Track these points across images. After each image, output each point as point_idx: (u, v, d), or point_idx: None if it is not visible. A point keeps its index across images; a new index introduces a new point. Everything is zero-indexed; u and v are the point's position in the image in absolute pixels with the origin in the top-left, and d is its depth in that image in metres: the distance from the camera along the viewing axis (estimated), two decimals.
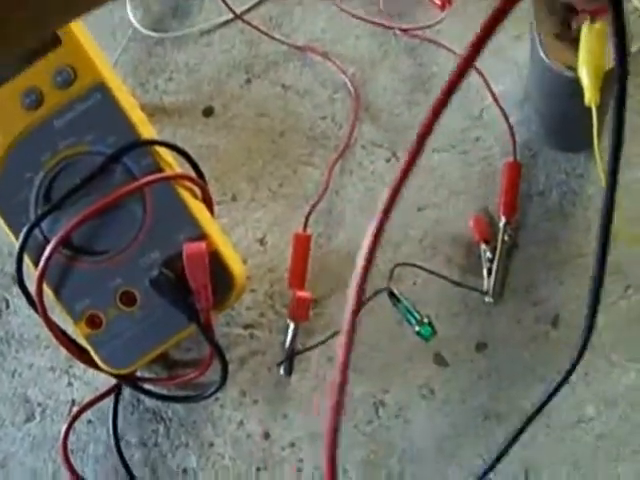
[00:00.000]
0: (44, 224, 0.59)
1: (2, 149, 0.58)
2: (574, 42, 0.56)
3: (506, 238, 0.62)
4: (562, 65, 0.56)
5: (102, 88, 0.58)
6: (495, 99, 0.65)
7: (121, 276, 0.59)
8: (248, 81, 0.72)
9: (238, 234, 0.67)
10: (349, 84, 0.69)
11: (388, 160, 0.67)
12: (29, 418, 0.67)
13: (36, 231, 0.59)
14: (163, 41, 0.75)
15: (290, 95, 0.70)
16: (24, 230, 0.57)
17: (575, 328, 0.59)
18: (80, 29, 0.59)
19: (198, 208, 0.60)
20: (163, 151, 0.59)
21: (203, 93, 0.72)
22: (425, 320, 0.59)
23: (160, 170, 0.59)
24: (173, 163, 0.60)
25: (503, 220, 0.63)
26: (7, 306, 0.70)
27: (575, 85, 0.55)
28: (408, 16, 0.71)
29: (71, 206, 0.59)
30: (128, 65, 0.74)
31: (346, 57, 0.71)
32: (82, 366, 0.65)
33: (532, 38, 0.59)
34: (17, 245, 0.58)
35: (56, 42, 0.58)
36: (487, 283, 0.62)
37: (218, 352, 0.60)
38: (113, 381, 0.63)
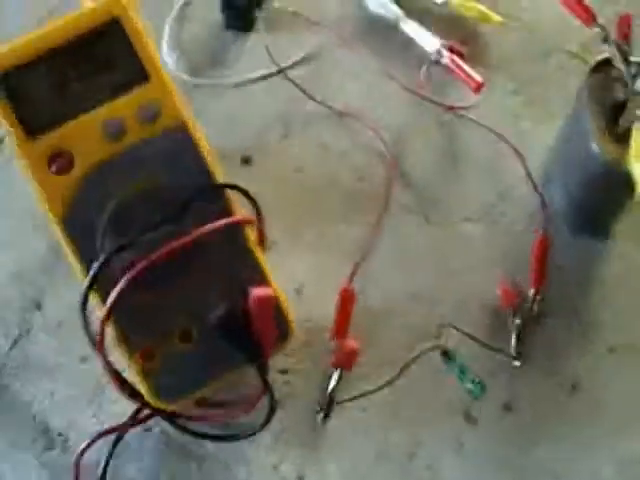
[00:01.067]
0: (106, 246, 0.59)
1: (80, 174, 0.59)
2: (621, 137, 0.63)
3: (534, 308, 0.67)
4: (611, 158, 0.62)
5: (184, 128, 0.60)
6: (531, 178, 0.71)
7: (181, 313, 0.60)
8: (286, 136, 0.75)
9: (275, 281, 0.69)
10: (385, 150, 0.74)
11: (420, 225, 0.72)
12: (49, 447, 0.66)
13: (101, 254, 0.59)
14: (200, 87, 0.77)
15: (328, 154, 0.74)
16: (96, 265, 0.57)
17: (592, 395, 0.65)
18: (166, 73, 0.61)
19: (260, 253, 0.62)
20: (232, 194, 0.61)
21: (242, 142, 0.74)
22: (477, 379, 0.63)
23: (230, 213, 0.60)
24: (238, 207, 0.62)
25: (532, 291, 0.68)
26: (28, 332, 0.69)
27: (621, 178, 0.61)
28: (444, 91, 0.76)
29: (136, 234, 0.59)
30: None
31: (382, 123, 0.75)
32: (108, 398, 0.65)
33: (577, 129, 0.66)
34: (84, 275, 0.58)
35: (144, 78, 0.59)
36: (514, 348, 0.67)
37: (270, 394, 0.61)
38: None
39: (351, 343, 0.65)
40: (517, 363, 0.67)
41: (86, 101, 0.59)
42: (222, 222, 0.59)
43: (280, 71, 0.76)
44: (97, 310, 0.58)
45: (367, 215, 0.72)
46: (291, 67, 0.77)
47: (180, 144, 0.60)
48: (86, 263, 0.59)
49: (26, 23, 0.78)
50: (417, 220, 0.72)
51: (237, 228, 0.61)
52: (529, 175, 0.72)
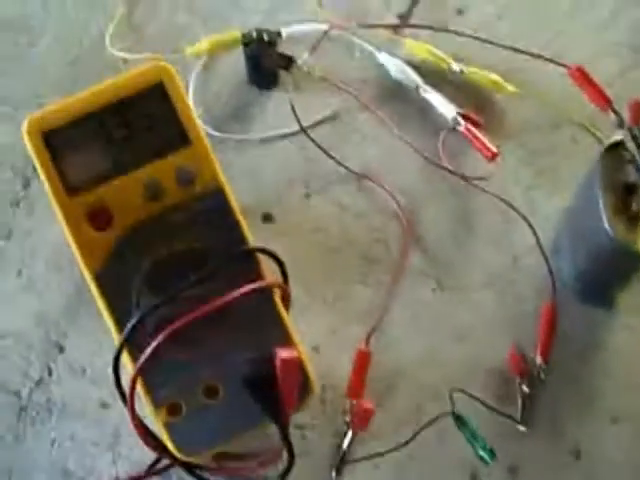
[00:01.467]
0: (141, 303, 0.61)
1: (117, 232, 0.61)
2: (632, 218, 0.66)
3: (541, 376, 0.70)
4: (621, 238, 0.65)
5: (220, 193, 0.63)
6: (540, 248, 0.74)
7: (208, 370, 0.62)
8: (307, 195, 0.77)
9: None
10: (400, 214, 0.76)
11: (433, 290, 0.74)
12: None
13: (135, 313, 0.61)
14: (225, 142, 0.79)
15: (346, 215, 0.77)
16: (129, 325, 0.59)
17: (594, 463, 0.68)
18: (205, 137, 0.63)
19: (285, 315, 0.64)
20: (263, 257, 0.64)
21: (263, 199, 0.77)
22: (488, 446, 0.65)
23: (259, 274, 0.63)
24: (265, 266, 0.65)
25: (539, 360, 0.71)
26: (50, 374, 0.71)
27: (630, 255, 0.64)
28: (458, 159, 0.79)
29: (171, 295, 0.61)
30: None
31: (398, 187, 0.78)
32: (126, 443, 0.67)
33: (587, 206, 0.69)
34: (117, 331, 0.60)
35: (185, 142, 0.62)
36: (520, 413, 0.70)
37: (290, 453, 0.63)
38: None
39: (366, 404, 0.68)
40: (523, 428, 0.70)
41: (127, 162, 0.61)
42: (254, 285, 0.61)
43: (303, 130, 0.78)
44: (127, 364, 0.60)
45: (383, 276, 0.74)
46: (313, 126, 0.80)
47: (216, 208, 0.63)
48: (119, 318, 0.61)
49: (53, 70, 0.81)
50: (430, 284, 0.75)
51: (265, 289, 0.63)
52: (539, 244, 0.75)
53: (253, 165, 0.78)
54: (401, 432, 0.68)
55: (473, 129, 0.79)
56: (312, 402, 0.68)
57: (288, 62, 0.78)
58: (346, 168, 0.78)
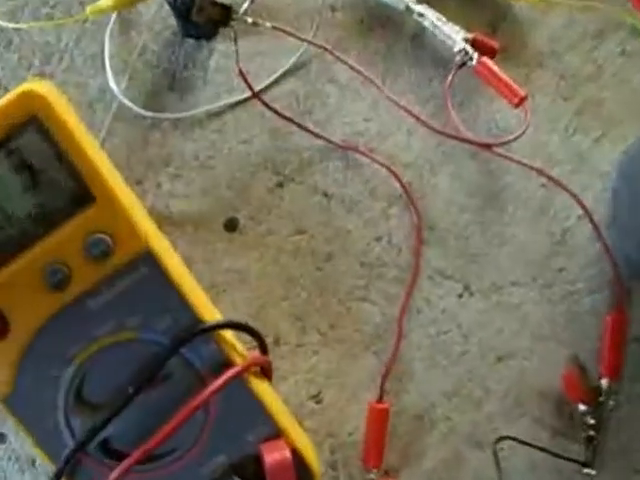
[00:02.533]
0: (76, 425, 0.45)
1: (19, 338, 0.43)
2: None
3: (611, 403, 0.54)
4: None
5: (148, 257, 0.44)
6: (591, 219, 0.56)
7: None
8: (279, 185, 0.58)
9: (287, 388, 0.55)
10: (405, 196, 0.57)
11: (460, 295, 0.57)
12: None
13: (65, 434, 0.45)
14: (161, 123, 0.59)
15: (334, 207, 0.58)
16: (65, 455, 0.43)
17: None
18: (117, 178, 0.44)
19: (268, 394, 0.48)
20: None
21: (223, 199, 0.58)
22: None
23: (226, 357, 0.46)
24: (232, 339, 0.47)
25: (605, 381, 0.54)
26: None
27: None
28: (471, 110, 0.59)
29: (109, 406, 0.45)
30: (117, 153, 0.58)
31: (398, 158, 0.58)
32: None
33: None
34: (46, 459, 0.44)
35: (87, 199, 0.43)
36: (587, 452, 0.54)
37: None
38: None
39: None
40: (591, 471, 0.54)
41: (10, 243, 0.42)
42: (228, 375, 0.44)
43: (255, 95, 0.58)
44: None
45: (391, 287, 0.57)
46: (272, 87, 0.59)
47: (146, 279, 0.44)
48: (44, 440, 0.45)
49: None
50: (455, 289, 0.57)
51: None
52: (588, 215, 0.56)
53: (206, 151, 0.58)
54: None
55: (490, 64, 0.58)
56: (321, 467, 0.53)
57: (225, 14, 0.56)
58: (325, 139, 0.58)
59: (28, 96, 0.41)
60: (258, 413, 0.47)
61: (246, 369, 0.46)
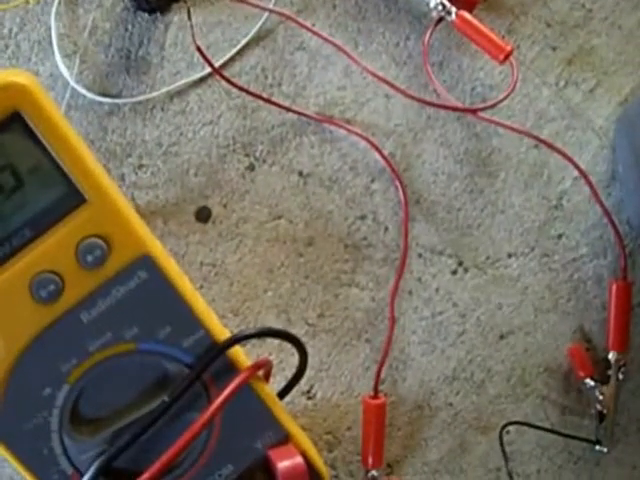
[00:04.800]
0: (73, 448, 0.41)
1: (8, 360, 0.40)
2: None
3: (620, 377, 0.51)
4: None
5: (147, 261, 0.40)
6: (589, 182, 0.52)
7: None
8: (250, 167, 0.54)
9: (277, 386, 0.51)
10: (388, 168, 0.53)
11: (454, 272, 0.53)
12: None
13: (62, 460, 0.41)
14: (119, 108, 0.54)
15: (312, 186, 0.54)
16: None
17: None
18: (106, 176, 0.40)
19: (272, 397, 0.44)
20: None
21: (191, 187, 0.54)
22: None
23: (228, 362, 0.42)
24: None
25: (613, 355, 0.51)
26: None
27: None
28: (454, 68, 0.55)
29: (108, 423, 0.42)
30: None
31: (378, 126, 0.54)
32: None
33: None
34: None
35: (78, 199, 0.38)
36: (597, 429, 0.51)
37: None
38: None
39: None
40: (603, 449, 0.51)
41: None
42: (238, 381, 0.41)
43: (215, 70, 0.53)
44: None
45: (379, 269, 0.53)
46: (234, 61, 0.55)
47: (145, 285, 0.40)
48: (38, 471, 0.42)
49: None
50: (449, 264, 0.53)
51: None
52: (585, 177, 0.52)
53: (169, 136, 0.54)
54: None
55: (470, 18, 0.53)
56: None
57: None
58: (297, 113, 0.54)
59: (10, 89, 0.37)
60: (266, 418, 0.43)
61: (253, 374, 0.42)
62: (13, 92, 0.37)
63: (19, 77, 0.37)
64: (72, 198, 0.38)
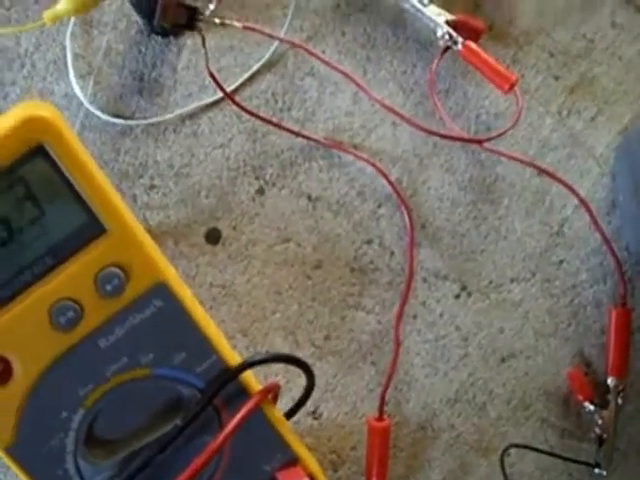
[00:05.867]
0: (86, 473, 0.42)
1: (23, 383, 0.40)
2: None
3: (619, 401, 0.52)
4: None
5: (163, 289, 0.41)
6: (589, 209, 0.53)
7: None
8: (260, 191, 0.55)
9: (283, 406, 0.52)
10: (394, 193, 0.54)
11: (457, 296, 0.54)
12: None
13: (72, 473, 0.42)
14: (132, 129, 0.56)
15: (320, 210, 0.55)
16: None
17: None
18: (124, 206, 0.41)
19: (280, 420, 0.45)
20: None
21: (202, 209, 0.55)
22: None
23: (240, 385, 0.43)
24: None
25: (612, 380, 0.52)
26: None
27: None
28: (459, 96, 0.56)
29: (122, 446, 0.42)
30: None
31: (385, 152, 0.55)
32: None
33: None
34: None
35: (98, 230, 0.39)
36: (597, 452, 0.52)
37: None
38: None
39: None
40: (602, 472, 0.53)
41: (17, 277, 0.39)
42: (247, 409, 0.42)
43: (226, 95, 0.54)
44: None
45: (385, 292, 0.54)
46: (245, 86, 0.56)
47: (161, 313, 0.41)
48: None
49: None
50: (452, 289, 0.54)
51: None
52: (585, 205, 0.54)
53: (181, 158, 0.55)
54: None
55: (476, 48, 0.55)
56: None
57: (191, 16, 0.52)
58: (306, 138, 0.55)
59: (34, 123, 0.37)
60: (275, 441, 0.45)
61: (263, 399, 0.43)
62: (38, 125, 0.38)
63: (43, 110, 0.38)
64: (92, 228, 0.39)
